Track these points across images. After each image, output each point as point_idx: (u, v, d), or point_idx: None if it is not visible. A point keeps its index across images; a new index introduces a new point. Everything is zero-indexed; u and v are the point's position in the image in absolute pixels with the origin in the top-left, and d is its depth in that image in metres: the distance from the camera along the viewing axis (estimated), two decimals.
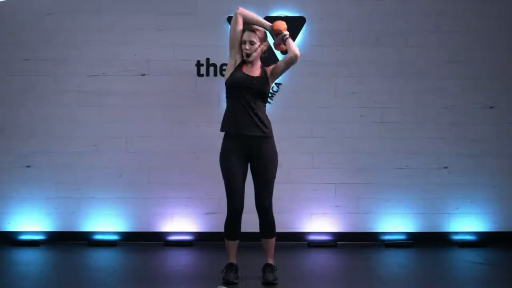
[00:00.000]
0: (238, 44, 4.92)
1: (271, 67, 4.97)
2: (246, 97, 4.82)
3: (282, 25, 4.96)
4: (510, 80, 6.25)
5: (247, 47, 4.86)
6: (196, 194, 6.15)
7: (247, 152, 4.87)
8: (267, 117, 4.91)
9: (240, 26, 4.90)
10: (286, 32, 4.94)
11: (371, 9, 6.17)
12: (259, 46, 4.89)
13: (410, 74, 6.20)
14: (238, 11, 4.92)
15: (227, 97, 4.95)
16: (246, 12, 4.94)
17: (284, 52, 5.07)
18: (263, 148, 4.86)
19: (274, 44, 5.07)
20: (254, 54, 4.87)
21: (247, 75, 4.87)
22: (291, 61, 4.90)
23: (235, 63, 4.93)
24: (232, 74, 4.89)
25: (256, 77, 4.87)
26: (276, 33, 4.96)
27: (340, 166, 6.19)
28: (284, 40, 4.93)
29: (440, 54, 6.20)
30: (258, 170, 4.89)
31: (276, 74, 4.95)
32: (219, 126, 4.94)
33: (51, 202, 6.13)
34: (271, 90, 5.33)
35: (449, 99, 6.22)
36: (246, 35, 4.88)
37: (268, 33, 4.97)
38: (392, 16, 6.19)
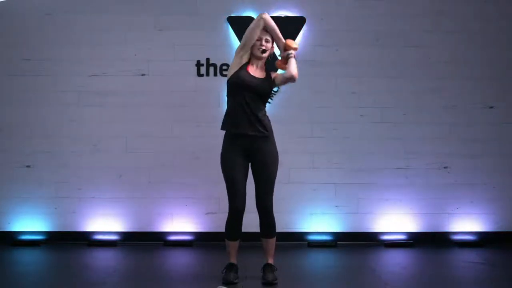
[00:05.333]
0: (250, 46, 4.90)
1: (274, 74, 4.99)
2: (247, 97, 4.82)
3: (293, 44, 4.95)
4: (510, 80, 6.25)
5: (264, 43, 4.88)
6: (196, 194, 6.15)
7: (248, 151, 4.87)
8: (267, 117, 4.91)
9: (259, 31, 4.88)
10: (293, 52, 4.92)
11: (371, 9, 6.17)
12: (271, 47, 4.94)
13: (410, 74, 6.20)
14: (263, 16, 4.89)
15: (228, 96, 4.94)
16: (269, 20, 4.91)
17: (282, 69, 5.05)
18: (263, 148, 4.86)
19: (277, 59, 5.05)
20: (267, 53, 4.91)
21: (252, 75, 4.87)
22: (287, 80, 4.93)
23: (240, 62, 4.91)
24: (236, 72, 4.87)
25: (260, 78, 4.89)
26: (285, 49, 4.94)
27: (340, 166, 6.19)
28: (287, 57, 4.91)
29: (440, 54, 6.20)
30: (259, 169, 4.89)
31: (275, 84, 4.98)
32: (219, 126, 4.94)
33: (51, 202, 6.13)
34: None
35: (449, 99, 6.22)
36: (262, 33, 4.89)
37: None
38: (392, 16, 6.19)
